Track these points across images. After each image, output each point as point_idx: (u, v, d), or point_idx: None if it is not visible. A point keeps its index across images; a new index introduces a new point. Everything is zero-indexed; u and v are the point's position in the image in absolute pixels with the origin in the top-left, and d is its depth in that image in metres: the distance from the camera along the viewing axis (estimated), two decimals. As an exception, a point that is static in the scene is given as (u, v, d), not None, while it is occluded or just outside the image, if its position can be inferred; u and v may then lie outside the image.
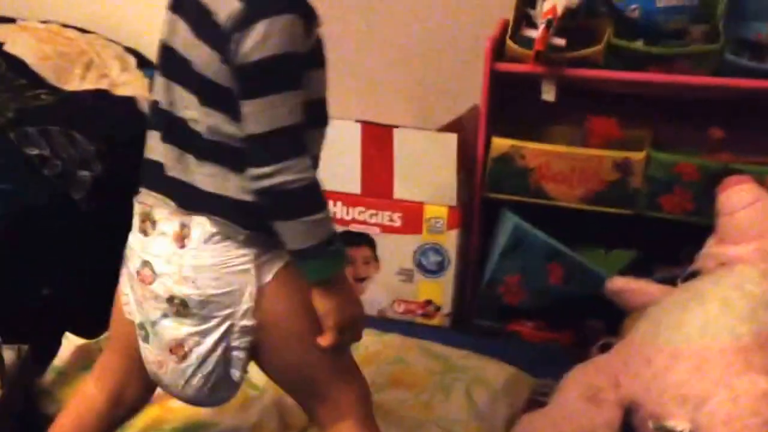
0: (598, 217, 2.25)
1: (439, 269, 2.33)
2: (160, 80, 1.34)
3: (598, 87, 2.26)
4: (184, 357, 1.33)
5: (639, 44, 2.14)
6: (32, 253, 1.91)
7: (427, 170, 2.29)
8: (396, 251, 2.35)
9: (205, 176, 1.29)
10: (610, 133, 2.29)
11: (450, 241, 2.31)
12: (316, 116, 1.31)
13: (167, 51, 1.32)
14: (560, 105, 2.25)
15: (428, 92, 2.52)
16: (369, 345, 1.51)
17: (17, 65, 2.42)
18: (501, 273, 2.29)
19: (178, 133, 1.30)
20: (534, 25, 2.16)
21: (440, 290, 2.35)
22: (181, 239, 1.29)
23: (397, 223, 2.33)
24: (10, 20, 2.68)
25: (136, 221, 1.36)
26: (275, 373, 1.42)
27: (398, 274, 2.36)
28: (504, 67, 2.22)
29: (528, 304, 2.30)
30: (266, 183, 1.22)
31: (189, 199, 1.30)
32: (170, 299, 1.31)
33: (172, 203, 1.31)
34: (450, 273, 2.33)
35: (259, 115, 1.21)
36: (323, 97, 1.34)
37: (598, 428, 1.72)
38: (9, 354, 1.62)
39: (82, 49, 2.59)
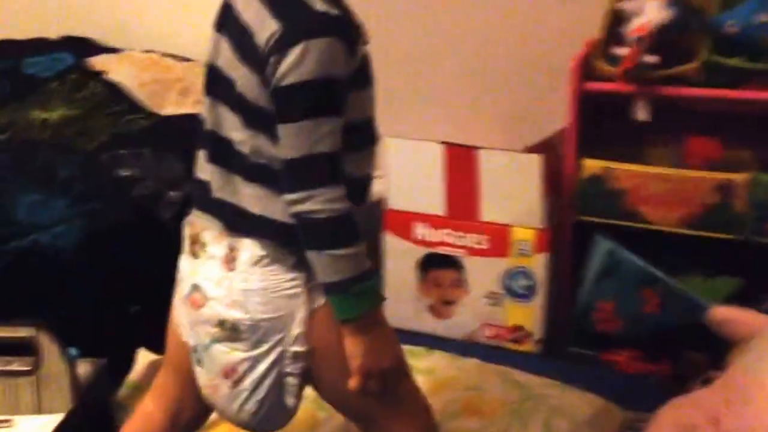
0: (699, 242, 2.14)
1: (528, 293, 2.27)
2: (206, 100, 1.34)
3: (696, 106, 2.17)
4: (238, 382, 1.32)
5: (738, 60, 2.04)
6: (120, 271, 1.94)
7: (513, 192, 2.24)
8: (483, 274, 2.30)
9: (252, 198, 1.27)
10: (710, 153, 2.19)
11: (538, 264, 2.25)
12: (362, 137, 1.28)
13: (212, 71, 1.32)
14: (656, 124, 2.17)
15: (516, 112, 2.46)
16: (445, 370, 1.45)
17: (118, 92, 2.49)
18: (594, 299, 2.21)
19: (224, 153, 1.30)
20: (624, 44, 2.09)
21: (530, 315, 2.28)
22: (230, 262, 1.28)
23: (484, 246, 2.28)
24: (115, 50, 2.77)
25: (186, 244, 1.36)
26: (330, 399, 1.39)
27: (486, 297, 2.31)
28: (592, 86, 2.16)
29: (623, 332, 2.20)
30: (295, 209, 1.20)
31: (237, 221, 1.29)
32: (221, 323, 1.30)
33: (220, 225, 1.30)
34: (540, 298, 2.26)
35: (293, 140, 1.18)
36: (370, 116, 1.30)
37: (689, 465, 1.61)
38: (85, 367, 1.65)
39: (179, 75, 2.65)
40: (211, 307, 1.31)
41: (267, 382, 1.30)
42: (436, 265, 2.35)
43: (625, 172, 2.16)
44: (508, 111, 2.47)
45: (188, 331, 1.38)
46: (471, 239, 2.29)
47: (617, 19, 2.14)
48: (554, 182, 2.26)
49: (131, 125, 2.36)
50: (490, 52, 2.44)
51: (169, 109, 2.52)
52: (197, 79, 2.70)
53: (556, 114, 2.28)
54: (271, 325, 1.28)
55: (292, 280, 1.26)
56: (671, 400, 1.77)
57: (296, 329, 1.27)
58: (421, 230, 2.34)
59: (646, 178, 2.14)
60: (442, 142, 2.28)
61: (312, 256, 1.21)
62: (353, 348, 1.24)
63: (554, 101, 2.30)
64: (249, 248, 1.27)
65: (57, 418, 1.55)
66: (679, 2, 2.07)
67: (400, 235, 2.34)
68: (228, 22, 1.28)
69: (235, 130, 1.27)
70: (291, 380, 1.31)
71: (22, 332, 1.56)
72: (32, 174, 1.97)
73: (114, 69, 2.60)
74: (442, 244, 2.33)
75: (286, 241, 1.25)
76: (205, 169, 1.35)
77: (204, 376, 1.37)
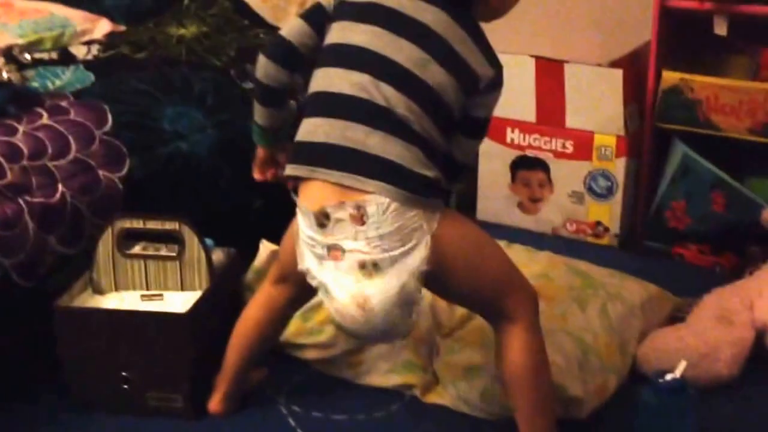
0: (765, 147, 2.31)
1: (608, 193, 2.50)
2: (340, 71, 1.54)
3: (770, 21, 2.31)
4: (371, 308, 1.50)
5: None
6: (246, 172, 2.25)
7: (596, 102, 2.45)
8: (568, 175, 2.54)
9: (392, 149, 1.50)
10: (782, 65, 2.33)
11: (618, 167, 2.47)
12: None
13: (362, 52, 1.53)
14: (734, 37, 2.32)
15: (603, 27, 2.65)
16: (519, 260, 1.71)
17: (242, 8, 2.77)
18: (668, 198, 2.43)
19: (369, 116, 1.50)
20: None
21: (609, 213, 2.52)
22: (359, 219, 1.47)
23: (569, 150, 2.52)
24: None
25: (305, 218, 1.53)
26: (460, 294, 1.63)
27: (570, 196, 2.56)
28: (674, 3, 2.33)
29: (693, 228, 2.42)
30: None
31: (367, 169, 1.49)
32: (362, 266, 1.49)
33: (346, 176, 1.49)
34: (618, 197, 2.50)
35: (469, 151, 1.68)
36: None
37: (723, 345, 1.86)
38: (219, 255, 2.00)
39: (298, -12, 2.91)
40: (351, 256, 1.48)
41: (396, 303, 1.50)
42: (526, 167, 2.61)
43: (701, 83, 2.33)
44: (596, 25, 2.66)
45: (316, 272, 1.54)
46: (557, 143, 2.53)
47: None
48: (636, 92, 2.46)
49: (255, 40, 2.65)
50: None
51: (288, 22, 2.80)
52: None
53: (642, 27, 2.45)
54: (405, 254, 1.48)
55: (414, 215, 1.48)
56: (714, 289, 2.02)
57: (423, 252, 1.49)
58: (513, 135, 2.59)
59: (718, 88, 2.31)
60: (533, 56, 2.50)
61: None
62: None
63: (641, 15, 2.47)
64: (374, 202, 1.46)
65: (197, 294, 1.86)
66: None
67: (495, 139, 2.59)
68: (406, 28, 1.54)
69: (400, 106, 1.50)
70: (416, 295, 1.52)
71: (168, 225, 1.87)
72: (173, 88, 2.28)
73: (240, -15, 2.88)
74: (531, 147, 2.58)
75: (408, 186, 1.48)
76: (324, 128, 1.53)
77: (334, 305, 1.54)
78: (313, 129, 1.56)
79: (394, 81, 1.52)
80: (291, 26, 1.68)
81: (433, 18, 1.55)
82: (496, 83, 1.60)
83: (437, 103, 1.54)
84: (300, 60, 1.67)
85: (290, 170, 1.58)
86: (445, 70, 1.54)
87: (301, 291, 1.72)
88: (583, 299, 1.94)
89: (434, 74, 1.53)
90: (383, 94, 1.51)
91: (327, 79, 1.58)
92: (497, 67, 1.59)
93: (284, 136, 1.77)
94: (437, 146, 1.55)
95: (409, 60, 1.53)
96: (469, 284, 1.57)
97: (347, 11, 1.61)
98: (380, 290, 1.49)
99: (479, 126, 1.65)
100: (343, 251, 1.49)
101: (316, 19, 1.65)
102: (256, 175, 1.83)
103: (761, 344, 1.93)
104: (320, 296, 1.58)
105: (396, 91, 1.51)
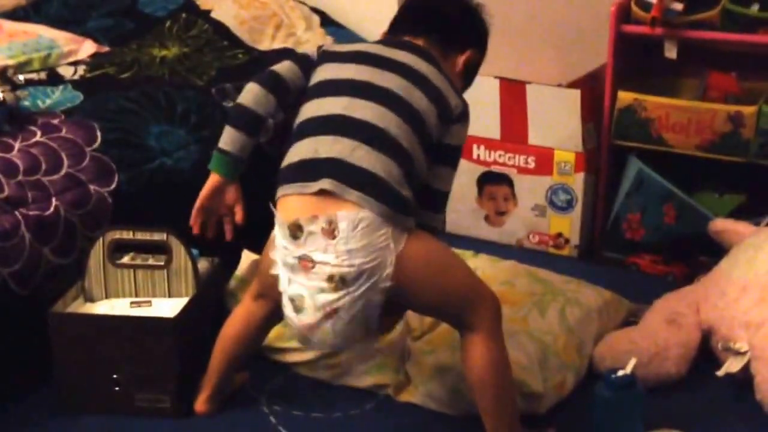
0: (713, 164, 2.48)
1: (567, 206, 2.66)
2: (340, 98, 1.70)
3: (716, 46, 2.48)
4: (337, 319, 1.61)
5: (754, 9, 2.35)
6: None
7: (556, 120, 2.60)
8: (531, 190, 2.69)
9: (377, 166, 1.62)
10: (728, 87, 2.50)
11: (577, 182, 2.62)
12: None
13: (364, 84, 1.70)
14: (683, 60, 2.49)
15: (562, 50, 2.81)
16: (485, 269, 1.84)
17: (221, 29, 2.90)
18: (624, 211, 2.59)
19: (357, 132, 1.65)
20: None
21: (569, 225, 2.67)
22: (330, 233, 1.58)
23: (531, 166, 2.67)
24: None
25: (281, 230, 1.63)
26: (426, 307, 1.77)
27: (533, 209, 2.71)
28: (629, 29, 2.50)
29: (647, 239, 2.58)
30: (439, 223, 1.77)
31: (355, 183, 1.60)
32: (330, 278, 1.59)
33: (333, 185, 1.60)
34: (577, 210, 2.65)
35: (448, 179, 1.80)
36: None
37: (672, 347, 2.01)
38: (204, 264, 2.12)
39: (273, 11, 3.04)
40: (320, 268, 1.59)
41: (360, 315, 1.61)
42: (492, 181, 2.76)
43: (653, 103, 2.49)
44: (556, 49, 2.82)
45: (286, 285, 1.65)
46: (521, 159, 2.69)
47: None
48: (594, 111, 2.62)
49: (233, 61, 2.78)
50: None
51: (265, 44, 2.92)
52: (290, 13, 3.08)
53: (599, 49, 2.61)
54: (371, 270, 1.59)
55: (383, 234, 1.60)
56: (664, 294, 2.18)
57: (388, 269, 1.60)
58: (479, 151, 2.74)
59: (669, 108, 2.47)
60: (498, 78, 2.65)
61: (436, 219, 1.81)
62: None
63: (598, 38, 2.63)
64: (346, 218, 1.57)
65: (183, 301, 1.97)
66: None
67: (462, 156, 2.71)
68: (389, 65, 1.73)
69: (391, 124, 1.66)
70: (377, 309, 1.64)
71: (156, 236, 1.99)
72: (158, 107, 2.40)
73: (218, 8, 3.00)
74: (496, 163, 2.73)
75: (386, 200, 1.60)
76: (313, 145, 1.65)
77: (301, 320, 1.64)
78: (302, 149, 1.68)
79: (385, 102, 1.68)
80: (281, 64, 1.84)
81: (410, 59, 1.75)
82: (465, 115, 1.78)
83: (422, 124, 1.70)
84: (287, 92, 1.81)
85: (279, 191, 1.69)
86: (426, 97, 1.71)
87: (279, 306, 1.80)
88: (543, 304, 2.09)
89: (418, 99, 1.70)
90: (375, 113, 1.66)
91: (317, 106, 1.72)
92: (464, 101, 1.78)
93: (240, 169, 1.86)
94: (419, 167, 1.69)
95: (395, 86, 1.70)
96: (433, 299, 1.70)
97: (332, 57, 1.80)
98: (347, 302, 1.61)
99: (453, 154, 1.80)
100: (313, 262, 1.60)
101: (304, 62, 1.83)
102: (193, 220, 1.89)
103: (707, 345, 2.09)
104: (287, 312, 1.68)
105: (387, 110, 1.67)
